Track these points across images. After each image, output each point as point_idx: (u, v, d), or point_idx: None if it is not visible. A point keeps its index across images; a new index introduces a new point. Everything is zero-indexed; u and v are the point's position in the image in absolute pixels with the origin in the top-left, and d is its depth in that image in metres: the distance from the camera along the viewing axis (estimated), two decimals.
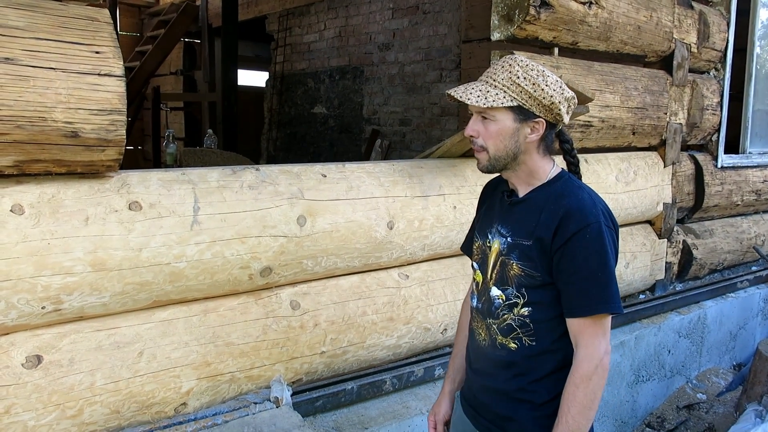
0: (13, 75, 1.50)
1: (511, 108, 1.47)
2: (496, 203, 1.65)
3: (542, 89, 1.46)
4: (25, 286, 1.63)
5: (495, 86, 1.47)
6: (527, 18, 2.65)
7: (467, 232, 1.87)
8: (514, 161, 1.52)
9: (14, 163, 1.60)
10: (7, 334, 1.67)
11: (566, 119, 1.53)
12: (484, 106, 1.46)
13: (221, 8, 7.78)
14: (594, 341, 1.43)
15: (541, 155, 1.55)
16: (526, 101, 1.46)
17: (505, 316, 1.54)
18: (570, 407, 1.43)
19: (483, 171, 1.56)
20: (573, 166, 1.64)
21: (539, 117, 1.49)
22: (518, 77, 1.46)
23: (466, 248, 1.84)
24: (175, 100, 10.01)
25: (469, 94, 1.47)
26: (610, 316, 1.45)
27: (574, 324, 1.45)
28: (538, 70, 1.48)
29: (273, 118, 9.80)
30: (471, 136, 1.52)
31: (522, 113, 1.48)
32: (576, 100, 1.56)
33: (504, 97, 1.46)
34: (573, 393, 1.43)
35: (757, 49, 4.50)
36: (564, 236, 1.43)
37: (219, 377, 2.03)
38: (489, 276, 1.59)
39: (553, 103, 1.48)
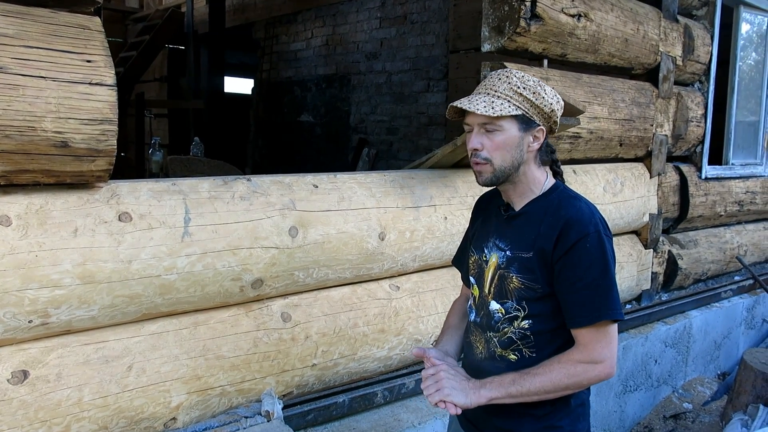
0: (2, 84, 1.47)
1: (515, 117, 1.47)
2: (492, 217, 1.64)
3: (543, 97, 1.48)
4: (12, 299, 1.59)
5: (498, 96, 1.47)
6: (517, 30, 2.66)
7: (459, 244, 1.86)
8: (516, 172, 1.52)
9: (1, 174, 1.56)
10: None
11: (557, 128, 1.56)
12: (494, 115, 1.44)
13: (207, 15, 7.75)
14: (597, 347, 1.42)
15: (537, 165, 1.56)
16: (529, 110, 1.47)
17: (506, 329, 1.54)
18: (539, 374, 1.42)
19: (485, 185, 1.54)
20: (559, 177, 1.64)
21: (540, 126, 1.51)
22: (518, 87, 1.47)
23: (458, 262, 1.83)
24: (160, 107, 9.95)
25: (475, 104, 1.46)
26: (615, 324, 1.45)
27: (577, 334, 1.45)
28: (534, 80, 1.50)
29: (259, 126, 9.76)
30: (475, 150, 1.50)
31: (525, 122, 1.48)
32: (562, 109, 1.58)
33: (509, 106, 1.46)
34: (551, 368, 1.43)
35: (739, 62, 4.56)
36: (565, 246, 1.43)
37: (209, 391, 2.00)
38: (487, 290, 1.58)
39: (552, 110, 1.50)
